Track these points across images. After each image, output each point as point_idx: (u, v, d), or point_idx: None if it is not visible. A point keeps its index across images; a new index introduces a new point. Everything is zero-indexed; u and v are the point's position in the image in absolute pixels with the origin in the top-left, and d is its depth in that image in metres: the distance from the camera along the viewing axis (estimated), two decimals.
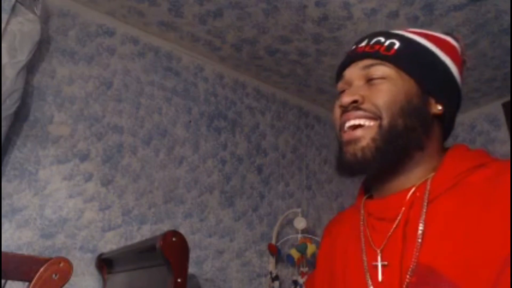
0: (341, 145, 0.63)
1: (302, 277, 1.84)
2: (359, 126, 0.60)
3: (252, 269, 1.90)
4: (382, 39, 0.63)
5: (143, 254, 1.18)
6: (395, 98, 0.58)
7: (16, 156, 1.44)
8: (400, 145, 0.58)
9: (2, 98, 1.29)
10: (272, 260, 1.90)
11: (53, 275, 0.72)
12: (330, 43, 1.90)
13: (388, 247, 0.58)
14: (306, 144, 2.34)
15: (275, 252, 1.88)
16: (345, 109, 0.62)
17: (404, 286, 0.53)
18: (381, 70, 0.61)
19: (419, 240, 0.54)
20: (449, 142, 0.68)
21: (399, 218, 0.58)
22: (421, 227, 0.54)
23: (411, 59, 0.61)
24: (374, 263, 0.59)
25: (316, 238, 1.95)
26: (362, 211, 0.67)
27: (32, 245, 1.39)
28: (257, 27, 1.82)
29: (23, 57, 1.37)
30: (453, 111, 0.65)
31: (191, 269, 1.69)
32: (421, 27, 1.76)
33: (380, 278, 0.57)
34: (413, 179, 0.60)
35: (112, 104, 1.71)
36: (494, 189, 0.51)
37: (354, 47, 0.68)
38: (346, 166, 0.61)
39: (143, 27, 1.86)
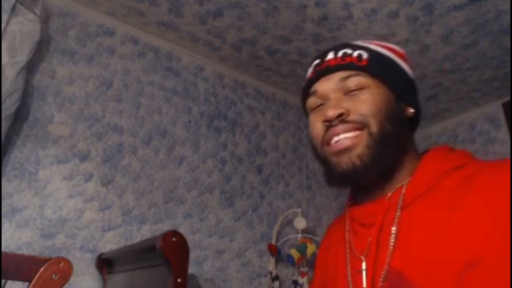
0: (328, 158, 0.61)
1: (302, 277, 1.84)
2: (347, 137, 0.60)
3: (252, 269, 1.90)
4: (349, 51, 0.63)
5: (143, 254, 1.18)
6: (378, 105, 0.59)
7: (16, 156, 1.44)
8: (392, 149, 0.58)
9: (2, 98, 1.29)
10: (272, 260, 1.90)
11: (53, 275, 0.72)
12: (330, 43, 1.89)
13: (368, 253, 0.59)
14: (306, 144, 2.34)
15: (275, 252, 1.88)
16: (330, 124, 0.60)
17: None
18: (358, 80, 0.61)
19: (391, 246, 0.55)
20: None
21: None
22: (393, 233, 0.55)
23: (381, 68, 0.63)
24: (358, 270, 0.59)
25: (316, 238, 1.95)
26: (347, 217, 0.68)
27: (32, 245, 1.39)
28: (257, 27, 1.82)
29: (23, 57, 1.37)
30: (419, 113, 0.67)
31: (191, 269, 1.69)
32: (421, 27, 1.76)
33: (364, 284, 0.57)
34: (393, 184, 0.60)
35: (112, 104, 1.71)
36: (464, 192, 0.51)
37: (318, 61, 0.66)
38: (342, 177, 0.60)
39: (143, 27, 1.86)
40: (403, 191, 0.58)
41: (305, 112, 0.70)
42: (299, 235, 1.93)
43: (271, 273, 1.87)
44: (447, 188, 0.54)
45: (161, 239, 0.99)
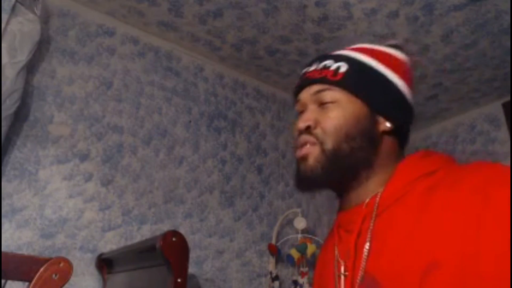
0: (297, 161, 0.68)
1: (302, 277, 1.84)
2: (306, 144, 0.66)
3: (252, 269, 1.90)
4: (329, 63, 0.66)
5: (143, 254, 1.18)
6: (342, 123, 0.62)
7: (16, 156, 1.44)
8: (345, 165, 0.62)
9: (2, 98, 1.29)
10: (272, 260, 1.90)
11: (53, 275, 0.72)
12: (330, 43, 1.89)
13: (348, 258, 0.62)
14: None
15: (275, 252, 1.88)
16: (300, 132, 0.67)
17: None
18: (330, 95, 0.64)
19: (366, 251, 0.58)
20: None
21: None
22: (368, 239, 0.58)
23: (358, 81, 0.64)
24: (339, 274, 0.63)
25: (316, 238, 1.95)
26: (336, 223, 0.71)
27: (32, 245, 1.39)
28: (257, 27, 1.82)
29: (23, 57, 1.37)
30: (405, 125, 0.67)
31: (191, 269, 1.69)
32: (421, 27, 1.76)
33: (342, 286, 0.61)
34: (370, 192, 0.63)
35: (112, 104, 1.71)
36: (431, 196, 0.53)
37: (304, 71, 0.71)
38: (300, 181, 0.67)
39: (143, 27, 1.86)
40: (377, 198, 0.61)
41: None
42: (299, 235, 1.93)
43: (271, 273, 1.87)
44: (419, 192, 0.56)
45: (161, 239, 0.99)
